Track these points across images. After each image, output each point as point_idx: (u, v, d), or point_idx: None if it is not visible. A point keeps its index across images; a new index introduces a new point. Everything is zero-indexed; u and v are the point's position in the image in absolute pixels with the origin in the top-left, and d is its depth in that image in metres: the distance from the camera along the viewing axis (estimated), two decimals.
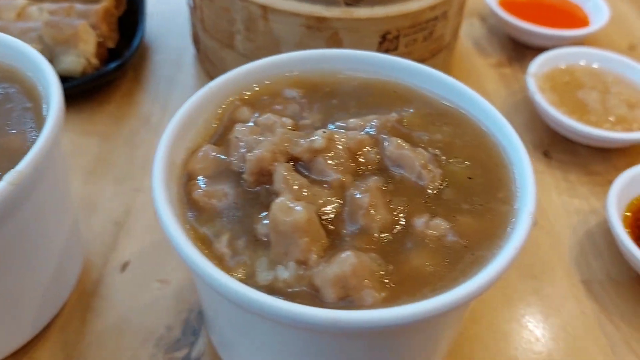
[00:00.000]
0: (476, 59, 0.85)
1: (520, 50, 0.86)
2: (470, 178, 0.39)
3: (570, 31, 0.84)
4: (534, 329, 0.52)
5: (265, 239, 0.34)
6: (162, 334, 0.49)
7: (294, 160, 0.38)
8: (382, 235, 0.35)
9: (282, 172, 0.36)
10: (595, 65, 0.76)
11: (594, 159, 0.69)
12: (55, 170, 0.44)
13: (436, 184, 0.38)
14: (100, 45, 0.72)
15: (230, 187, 0.38)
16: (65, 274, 0.49)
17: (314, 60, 0.47)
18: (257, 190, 0.37)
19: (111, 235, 0.57)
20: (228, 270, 0.33)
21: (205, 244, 0.35)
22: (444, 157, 0.40)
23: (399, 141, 0.39)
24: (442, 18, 0.67)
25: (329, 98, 0.45)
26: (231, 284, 0.31)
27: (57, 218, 0.46)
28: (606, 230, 0.60)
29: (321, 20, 0.61)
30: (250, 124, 0.41)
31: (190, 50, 0.81)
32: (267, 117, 0.41)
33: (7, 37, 0.47)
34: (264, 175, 0.37)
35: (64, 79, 0.69)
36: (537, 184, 0.38)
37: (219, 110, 0.43)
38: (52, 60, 0.69)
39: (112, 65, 0.71)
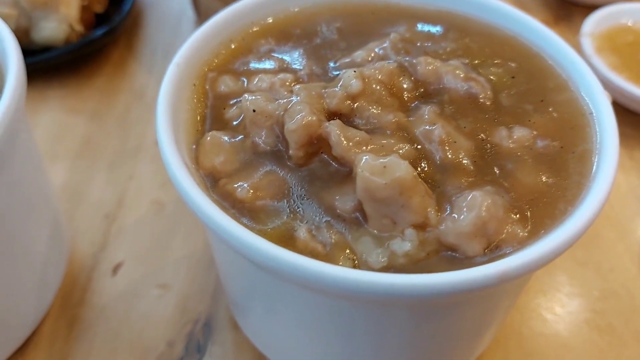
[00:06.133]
0: None
1: (568, 8, 0.76)
2: (513, 77, 0.36)
3: None
4: (601, 342, 0.43)
5: (352, 216, 0.29)
6: (162, 351, 0.42)
7: (332, 116, 0.32)
8: (476, 164, 0.31)
9: (336, 131, 0.30)
10: None
11: None
12: (18, 159, 0.36)
13: (488, 92, 0.34)
14: (85, 9, 0.63)
15: (275, 171, 0.31)
16: (44, 280, 0.42)
17: (271, 3, 0.40)
18: (311, 164, 0.31)
19: (101, 231, 0.49)
20: (328, 262, 0.26)
21: (286, 242, 0.28)
22: (475, 63, 0.36)
23: (428, 59, 0.35)
24: None
25: (306, 39, 0.39)
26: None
27: (28, 215, 0.39)
28: None
29: None
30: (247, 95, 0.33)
31: (188, 14, 0.72)
32: (261, 79, 0.35)
33: None
34: (312, 144, 0.31)
35: (45, 48, 0.61)
36: None
37: (195, 84, 0.36)
38: (30, 27, 0.60)
39: (100, 31, 0.62)
